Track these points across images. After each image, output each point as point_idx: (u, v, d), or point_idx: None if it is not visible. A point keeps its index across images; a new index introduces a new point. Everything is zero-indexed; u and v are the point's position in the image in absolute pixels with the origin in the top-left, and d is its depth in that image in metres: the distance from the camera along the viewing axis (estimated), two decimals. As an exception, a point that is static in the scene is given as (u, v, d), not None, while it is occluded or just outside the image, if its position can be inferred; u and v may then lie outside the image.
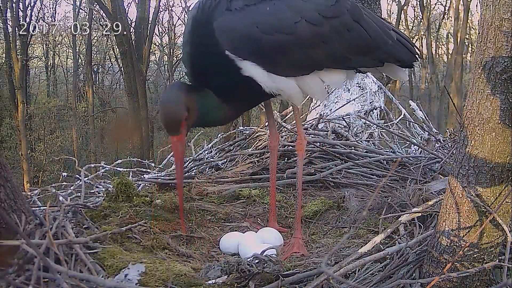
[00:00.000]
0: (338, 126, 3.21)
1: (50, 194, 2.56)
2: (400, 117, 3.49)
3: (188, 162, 3.08)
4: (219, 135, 3.70)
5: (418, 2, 18.85)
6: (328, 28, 1.74)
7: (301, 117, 3.74)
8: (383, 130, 3.31)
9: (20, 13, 16.15)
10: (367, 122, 3.43)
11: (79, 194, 2.35)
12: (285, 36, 1.69)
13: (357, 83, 3.82)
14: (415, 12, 20.53)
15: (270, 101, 2.08)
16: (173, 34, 20.26)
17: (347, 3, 1.81)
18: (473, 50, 15.59)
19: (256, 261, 1.60)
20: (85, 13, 18.45)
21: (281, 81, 1.75)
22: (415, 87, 20.72)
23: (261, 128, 3.11)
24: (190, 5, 17.69)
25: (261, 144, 2.90)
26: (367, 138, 3.28)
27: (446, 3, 19.17)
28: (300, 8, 1.72)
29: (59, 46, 20.92)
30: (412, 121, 3.45)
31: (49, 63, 20.77)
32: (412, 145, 3.18)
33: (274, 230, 2.01)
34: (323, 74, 1.84)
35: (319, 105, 3.88)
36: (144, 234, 1.84)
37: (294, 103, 1.95)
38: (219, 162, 2.89)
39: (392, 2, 20.43)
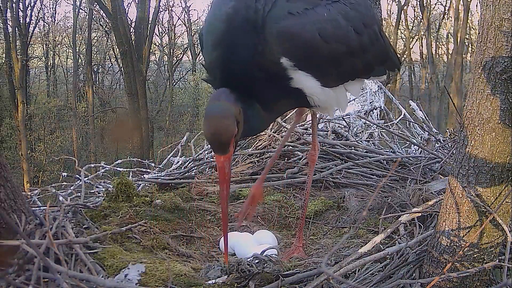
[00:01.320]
0: (338, 126, 3.21)
1: (50, 194, 2.57)
2: (400, 117, 3.49)
3: (188, 162, 3.08)
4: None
5: (418, 2, 18.84)
6: (367, 38, 1.69)
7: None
8: (383, 130, 3.31)
9: (20, 13, 16.16)
10: (367, 122, 3.43)
11: (79, 194, 2.35)
12: (340, 46, 1.60)
13: (357, 83, 3.83)
14: (415, 12, 20.52)
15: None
16: (173, 34, 20.27)
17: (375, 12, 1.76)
18: (473, 50, 15.59)
19: (256, 261, 1.61)
20: (85, 13, 18.46)
21: (329, 93, 1.65)
22: (415, 87, 20.73)
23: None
24: (189, 5, 17.71)
25: (261, 144, 2.90)
26: (367, 138, 3.28)
27: (446, 3, 19.18)
28: (348, 15, 1.62)
29: (59, 46, 20.93)
30: (412, 121, 3.45)
31: (49, 63, 20.77)
32: (412, 145, 3.18)
33: (269, 232, 2.01)
34: (348, 84, 1.77)
35: (319, 105, 3.88)
36: (144, 234, 1.84)
37: (328, 114, 1.87)
38: (219, 162, 2.88)
39: (392, 2, 20.42)
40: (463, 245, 1.34)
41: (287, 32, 1.49)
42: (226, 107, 1.44)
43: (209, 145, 1.55)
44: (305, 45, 1.52)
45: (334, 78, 1.65)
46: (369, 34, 1.70)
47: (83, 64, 19.36)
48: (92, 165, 3.04)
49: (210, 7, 1.69)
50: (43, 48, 20.51)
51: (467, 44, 17.75)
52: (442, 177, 2.39)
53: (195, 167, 2.90)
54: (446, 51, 21.02)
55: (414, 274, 1.47)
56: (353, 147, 2.83)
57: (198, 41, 1.70)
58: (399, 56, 2.03)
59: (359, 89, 1.89)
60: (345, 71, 1.67)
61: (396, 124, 3.40)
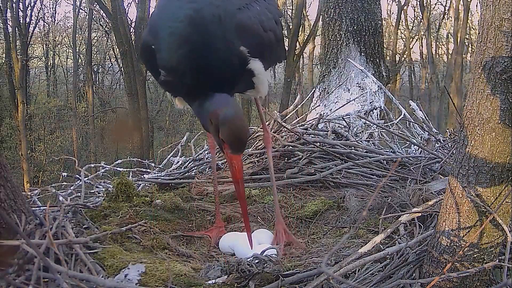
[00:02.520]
0: (338, 126, 3.21)
1: (50, 194, 2.57)
2: (400, 117, 3.49)
3: (188, 162, 3.08)
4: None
5: (418, 2, 18.85)
6: (280, 28, 2.03)
7: (301, 117, 3.75)
8: (383, 130, 3.31)
9: (20, 13, 16.16)
10: (367, 122, 3.43)
11: (79, 194, 2.35)
12: (272, 34, 1.90)
13: (357, 83, 3.83)
14: (415, 12, 20.54)
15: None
16: (173, 34, 20.21)
17: None
18: (473, 50, 15.59)
19: (256, 261, 1.61)
20: (85, 13, 18.46)
21: (267, 75, 1.93)
22: (415, 87, 20.73)
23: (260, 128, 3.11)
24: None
25: (261, 144, 2.89)
26: (367, 138, 3.28)
27: (446, 3, 19.19)
28: (270, 10, 1.93)
29: (59, 46, 20.94)
30: (412, 121, 3.45)
31: (49, 63, 20.78)
32: (412, 145, 3.18)
33: (268, 231, 2.01)
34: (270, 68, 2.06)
35: (319, 105, 3.88)
36: (144, 234, 1.84)
37: (261, 94, 2.02)
38: (219, 162, 2.88)
39: (392, 2, 20.44)
40: (463, 245, 1.34)
41: (242, 24, 1.74)
42: (240, 110, 1.69)
43: (232, 147, 1.65)
44: (254, 35, 1.78)
45: (268, 62, 1.91)
46: (279, 25, 2.02)
47: (83, 64, 19.37)
48: (92, 165, 3.05)
49: (155, 11, 1.82)
50: (43, 48, 20.52)
51: (467, 44, 17.77)
52: (442, 177, 2.39)
53: (195, 167, 2.90)
54: (446, 51, 21.04)
55: (414, 274, 1.47)
56: (353, 147, 2.83)
57: (143, 46, 1.76)
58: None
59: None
60: (274, 56, 2.01)
61: (396, 124, 3.40)
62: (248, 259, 1.61)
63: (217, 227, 2.06)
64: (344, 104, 3.72)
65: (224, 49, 1.70)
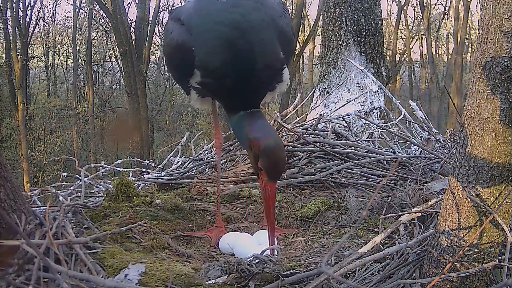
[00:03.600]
0: (338, 126, 3.21)
1: (50, 194, 2.56)
2: (400, 117, 3.48)
3: (188, 162, 3.08)
4: (219, 135, 3.69)
5: (418, 2, 18.85)
6: None
7: (301, 117, 3.75)
8: (383, 130, 3.31)
9: (20, 13, 16.16)
10: (367, 122, 3.43)
11: (79, 194, 2.35)
12: (292, 35, 1.93)
13: (357, 83, 3.83)
14: (415, 12, 20.55)
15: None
16: (173, 34, 20.22)
17: None
18: (473, 50, 15.59)
19: (256, 261, 1.61)
20: (85, 13, 18.46)
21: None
22: (415, 87, 20.74)
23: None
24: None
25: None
26: (367, 138, 3.28)
27: (446, 3, 19.19)
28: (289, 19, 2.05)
29: (59, 46, 20.95)
30: (412, 121, 3.44)
31: (49, 63, 20.79)
32: (412, 145, 3.18)
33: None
34: None
35: (319, 105, 3.89)
36: (144, 234, 1.84)
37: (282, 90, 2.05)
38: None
39: (392, 2, 20.45)
40: (463, 245, 1.34)
41: (283, 31, 1.78)
42: (280, 140, 1.71)
43: (270, 176, 1.71)
44: (289, 42, 1.86)
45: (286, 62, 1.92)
46: None
47: (83, 64, 19.38)
48: (92, 165, 3.04)
49: (191, 12, 1.77)
50: (43, 48, 20.53)
51: (467, 44, 17.77)
52: (442, 177, 2.39)
53: (195, 167, 2.90)
54: (446, 51, 21.05)
55: (414, 274, 1.47)
56: (353, 147, 2.82)
57: (181, 45, 1.73)
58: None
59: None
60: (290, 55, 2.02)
61: (396, 124, 3.40)
62: (248, 259, 1.61)
63: (217, 227, 2.06)
64: (344, 104, 3.72)
65: (270, 54, 1.74)
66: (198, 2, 1.79)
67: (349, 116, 3.50)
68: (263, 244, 1.85)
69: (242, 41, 1.66)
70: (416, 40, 20.38)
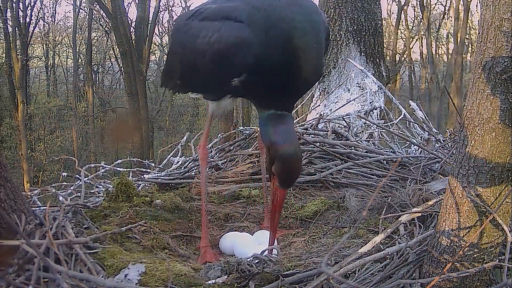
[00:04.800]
0: (338, 126, 3.21)
1: (50, 194, 2.57)
2: (400, 117, 3.48)
3: (188, 162, 3.08)
4: (219, 135, 3.70)
5: (418, 2, 18.84)
6: None
7: (301, 117, 3.75)
8: (383, 130, 3.31)
9: (20, 13, 16.16)
10: (367, 122, 3.43)
11: (79, 194, 2.35)
12: None
13: (357, 83, 3.83)
14: (415, 12, 20.54)
15: None
16: (173, 34, 20.21)
17: None
18: (473, 50, 15.59)
19: (256, 261, 1.61)
20: (85, 13, 18.46)
21: None
22: (415, 87, 20.73)
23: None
24: (189, 5, 17.70)
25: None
26: (367, 138, 3.28)
27: (446, 3, 19.18)
28: None
29: (59, 46, 20.95)
30: (412, 121, 3.44)
31: (49, 63, 20.78)
32: (412, 145, 3.17)
33: (268, 232, 2.01)
34: None
35: (319, 105, 3.88)
36: (144, 234, 1.84)
37: None
38: (219, 162, 2.89)
39: (392, 2, 20.44)
40: (463, 245, 1.34)
41: (328, 33, 1.86)
42: (299, 149, 1.71)
43: (281, 183, 1.72)
44: (328, 44, 1.89)
45: None
46: None
47: (83, 64, 19.38)
48: (92, 165, 3.04)
49: (247, 7, 1.70)
50: (43, 48, 20.53)
51: (467, 44, 17.76)
52: (442, 177, 2.39)
53: (195, 167, 2.90)
54: (446, 51, 21.04)
55: (414, 274, 1.47)
56: (353, 147, 2.82)
57: (241, 41, 1.66)
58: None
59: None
60: None
61: (396, 124, 3.40)
62: (248, 259, 1.61)
63: (205, 247, 1.91)
64: (344, 104, 3.72)
65: (320, 58, 1.76)
66: (251, 1, 1.72)
67: (349, 116, 3.49)
68: (263, 244, 1.85)
69: (302, 42, 1.64)
70: (416, 40, 20.37)
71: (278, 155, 1.66)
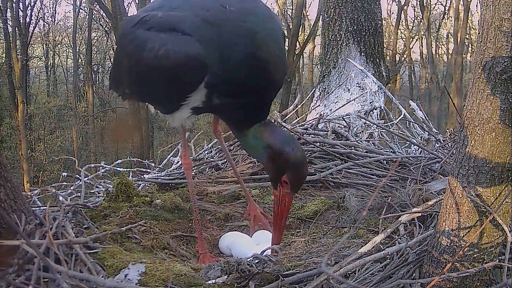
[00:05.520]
0: (338, 126, 3.21)
1: (50, 194, 2.57)
2: (400, 117, 3.48)
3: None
4: (219, 135, 3.69)
5: (418, 2, 18.86)
6: None
7: (301, 117, 3.75)
8: (383, 130, 3.31)
9: (20, 13, 16.16)
10: (367, 122, 3.43)
11: (79, 194, 2.35)
12: None
13: (357, 83, 3.83)
14: (415, 12, 20.56)
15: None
16: (173, 34, 20.19)
17: None
18: (473, 50, 15.59)
19: (256, 261, 1.61)
20: (85, 13, 18.47)
21: None
22: (415, 87, 20.73)
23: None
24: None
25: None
26: (367, 138, 3.28)
27: (446, 3, 19.20)
28: None
29: (59, 46, 20.95)
30: (412, 121, 3.45)
31: (49, 63, 20.79)
32: (412, 145, 3.18)
33: (267, 232, 2.01)
34: None
35: (319, 105, 3.88)
36: (144, 234, 1.84)
37: None
38: (219, 162, 2.89)
39: (392, 2, 20.45)
40: (463, 245, 1.34)
41: (283, 35, 1.80)
42: (304, 152, 1.71)
43: (293, 188, 1.73)
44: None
45: None
46: None
47: (83, 64, 19.38)
48: (92, 165, 3.04)
49: (199, 23, 1.57)
50: (43, 48, 20.54)
51: (467, 44, 17.76)
52: (442, 177, 2.39)
53: (195, 167, 2.90)
54: (446, 51, 21.05)
55: (414, 274, 1.47)
56: (353, 147, 2.82)
57: (192, 60, 1.54)
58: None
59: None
60: None
61: (396, 124, 3.40)
62: (248, 259, 1.61)
63: (203, 253, 1.88)
64: (344, 104, 3.72)
65: (284, 63, 1.74)
66: (198, 9, 1.60)
67: (349, 116, 3.50)
68: (262, 244, 1.85)
69: (264, 53, 1.58)
70: (416, 40, 20.38)
71: (290, 164, 1.64)
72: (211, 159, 2.93)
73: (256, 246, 1.86)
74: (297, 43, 14.08)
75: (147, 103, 1.95)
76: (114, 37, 14.88)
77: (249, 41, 1.56)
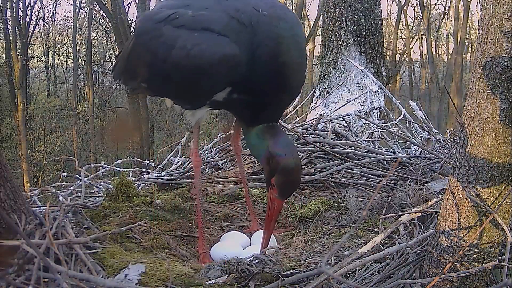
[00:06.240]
0: (338, 126, 3.21)
1: (50, 194, 2.56)
2: (400, 117, 3.48)
3: (188, 162, 3.07)
4: (219, 135, 3.69)
5: (418, 2, 18.85)
6: None
7: (301, 117, 3.75)
8: (383, 130, 3.31)
9: (20, 13, 16.16)
10: (367, 122, 3.43)
11: (79, 194, 2.35)
12: None
13: (357, 83, 3.83)
14: (415, 12, 20.55)
15: None
16: (173, 34, 20.18)
17: None
18: (473, 50, 15.59)
19: (256, 261, 1.61)
20: (85, 13, 18.46)
21: None
22: (415, 87, 20.73)
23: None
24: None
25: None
26: (367, 138, 3.28)
27: (446, 3, 19.19)
28: None
29: (59, 46, 20.95)
30: (412, 121, 3.44)
31: (49, 63, 20.79)
32: (412, 145, 3.18)
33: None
34: None
35: (319, 105, 3.88)
36: (144, 234, 1.84)
37: None
38: (219, 162, 2.89)
39: (392, 2, 20.44)
40: (463, 245, 1.34)
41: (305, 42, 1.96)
42: (299, 162, 1.72)
43: (281, 194, 1.75)
44: None
45: None
46: None
47: (83, 64, 19.37)
48: (92, 165, 3.04)
49: (234, 24, 1.62)
50: (43, 48, 20.53)
51: (467, 44, 17.76)
52: (442, 177, 2.39)
53: (195, 167, 2.89)
54: (446, 51, 21.05)
55: (414, 274, 1.47)
56: (353, 147, 2.83)
57: (229, 58, 1.58)
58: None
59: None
60: None
61: (396, 124, 3.40)
62: (248, 259, 1.61)
63: (203, 252, 1.89)
64: (344, 104, 3.72)
65: (304, 70, 1.78)
66: (231, 10, 1.63)
67: (349, 116, 3.50)
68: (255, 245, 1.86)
69: (287, 58, 1.64)
70: (416, 40, 20.38)
71: (279, 168, 1.67)
72: (211, 159, 2.93)
73: (257, 246, 1.85)
74: (297, 43, 14.04)
75: (164, 98, 1.96)
76: (114, 37, 14.87)
77: (276, 45, 1.62)
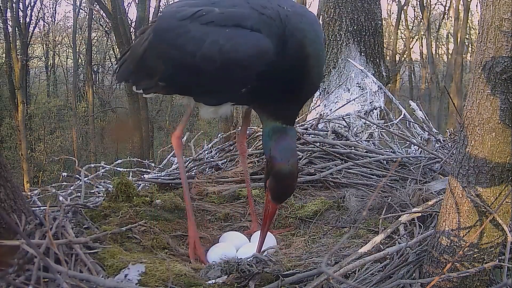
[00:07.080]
0: (338, 126, 3.21)
1: (50, 194, 2.56)
2: (400, 117, 3.48)
3: (188, 162, 3.07)
4: (219, 135, 3.69)
5: (418, 2, 18.86)
6: None
7: (301, 117, 3.75)
8: (383, 130, 3.31)
9: (20, 13, 16.17)
10: (367, 122, 3.43)
11: (79, 194, 2.35)
12: None
13: (357, 83, 3.83)
14: (415, 12, 20.55)
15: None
16: (173, 34, 20.18)
17: None
18: (473, 50, 15.60)
19: (256, 261, 1.61)
20: (85, 13, 18.47)
21: None
22: (415, 87, 20.73)
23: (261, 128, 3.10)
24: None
25: (261, 144, 2.89)
26: (367, 138, 3.28)
27: (446, 3, 19.20)
28: None
29: (59, 46, 20.95)
30: (412, 121, 3.44)
31: (49, 63, 20.79)
32: (412, 145, 3.17)
33: (268, 233, 2.01)
34: None
35: (319, 105, 3.88)
36: (144, 234, 1.84)
37: None
38: (219, 162, 2.89)
39: (392, 2, 20.45)
40: (463, 245, 1.34)
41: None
42: (296, 166, 1.72)
43: (274, 198, 1.76)
44: None
45: None
46: None
47: (83, 64, 19.38)
48: (92, 165, 3.04)
49: (264, 20, 1.67)
50: (43, 48, 20.53)
51: (467, 44, 17.77)
52: (442, 177, 2.39)
53: (195, 167, 2.90)
54: (446, 51, 21.05)
55: (414, 274, 1.47)
56: (353, 147, 2.82)
57: (265, 51, 1.63)
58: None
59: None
60: None
61: (396, 124, 3.40)
62: (248, 259, 1.61)
63: (193, 237, 1.87)
64: (344, 104, 3.72)
65: (322, 66, 1.82)
66: (259, 7, 1.68)
67: (349, 116, 3.49)
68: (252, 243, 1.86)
69: (312, 49, 1.69)
70: (416, 40, 20.39)
71: (273, 171, 1.69)
72: (211, 159, 2.93)
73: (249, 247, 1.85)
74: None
75: (183, 96, 1.95)
76: (114, 37, 14.88)
77: (302, 37, 1.68)
